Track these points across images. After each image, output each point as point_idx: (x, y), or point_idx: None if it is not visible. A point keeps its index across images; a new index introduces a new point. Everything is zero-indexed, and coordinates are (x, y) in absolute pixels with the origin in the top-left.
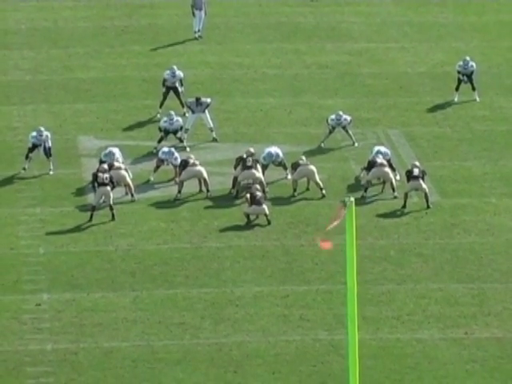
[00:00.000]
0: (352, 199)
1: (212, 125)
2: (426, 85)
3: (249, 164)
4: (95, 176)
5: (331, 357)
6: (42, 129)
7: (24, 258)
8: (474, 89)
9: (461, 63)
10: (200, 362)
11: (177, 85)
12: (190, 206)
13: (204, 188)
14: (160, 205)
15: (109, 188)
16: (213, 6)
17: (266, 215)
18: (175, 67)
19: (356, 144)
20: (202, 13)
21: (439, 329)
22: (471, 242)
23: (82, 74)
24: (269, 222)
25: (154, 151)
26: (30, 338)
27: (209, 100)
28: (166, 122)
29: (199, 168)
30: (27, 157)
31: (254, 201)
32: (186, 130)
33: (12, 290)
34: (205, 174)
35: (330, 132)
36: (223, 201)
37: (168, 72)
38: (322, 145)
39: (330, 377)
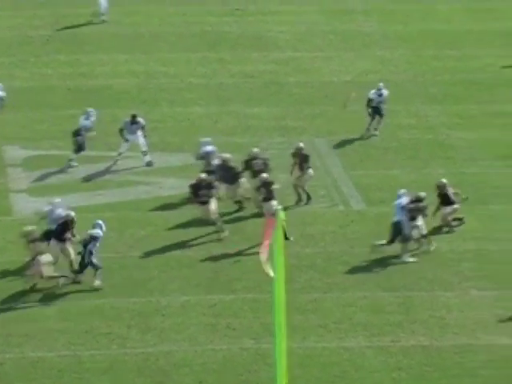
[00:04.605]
0: (280, 207)
1: (146, 148)
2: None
3: (257, 169)
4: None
5: (258, 365)
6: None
7: None
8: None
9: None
10: (127, 371)
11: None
12: (116, 215)
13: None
14: (86, 215)
15: (206, 205)
16: (137, 15)
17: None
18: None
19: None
20: None
21: (366, 337)
22: (397, 251)
23: (7, 84)
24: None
25: None
26: None
27: (143, 121)
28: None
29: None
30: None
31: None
32: (119, 155)
33: None
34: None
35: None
36: (149, 210)
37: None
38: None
39: None
